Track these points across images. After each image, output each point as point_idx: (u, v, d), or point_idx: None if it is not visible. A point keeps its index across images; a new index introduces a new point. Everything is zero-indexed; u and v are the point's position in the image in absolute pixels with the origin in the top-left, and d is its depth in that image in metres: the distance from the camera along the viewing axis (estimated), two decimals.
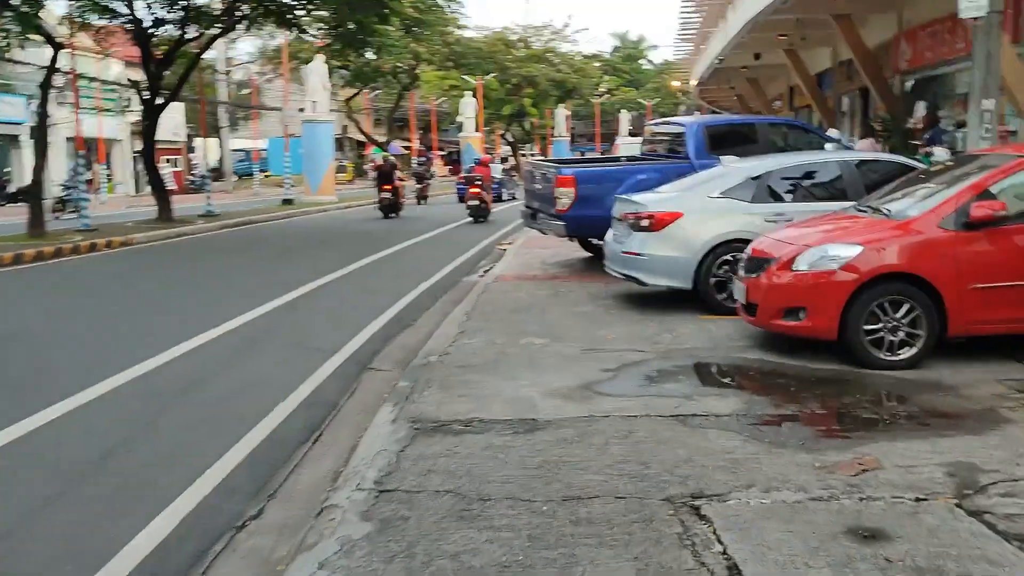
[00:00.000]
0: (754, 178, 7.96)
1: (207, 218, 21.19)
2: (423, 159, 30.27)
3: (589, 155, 68.81)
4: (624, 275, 8.21)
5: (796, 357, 6.19)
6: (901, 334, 5.82)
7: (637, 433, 4.60)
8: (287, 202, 27.64)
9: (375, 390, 5.99)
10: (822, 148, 10.52)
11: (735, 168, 8.28)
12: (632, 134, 69.41)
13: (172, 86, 21.33)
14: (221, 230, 19.24)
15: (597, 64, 62.73)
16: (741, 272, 6.69)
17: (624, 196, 8.68)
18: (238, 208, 26.78)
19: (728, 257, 7.73)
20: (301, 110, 30.18)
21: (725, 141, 10.64)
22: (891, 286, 5.84)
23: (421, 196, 27.86)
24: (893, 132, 15.80)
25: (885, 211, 6.49)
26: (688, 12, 26.27)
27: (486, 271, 11.78)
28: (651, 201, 8.08)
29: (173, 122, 43.37)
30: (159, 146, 43.91)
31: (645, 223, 7.91)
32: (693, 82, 34.23)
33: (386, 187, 21.11)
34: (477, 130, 45.32)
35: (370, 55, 32.86)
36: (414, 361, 6.45)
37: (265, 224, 21.26)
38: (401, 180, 21.99)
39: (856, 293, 5.81)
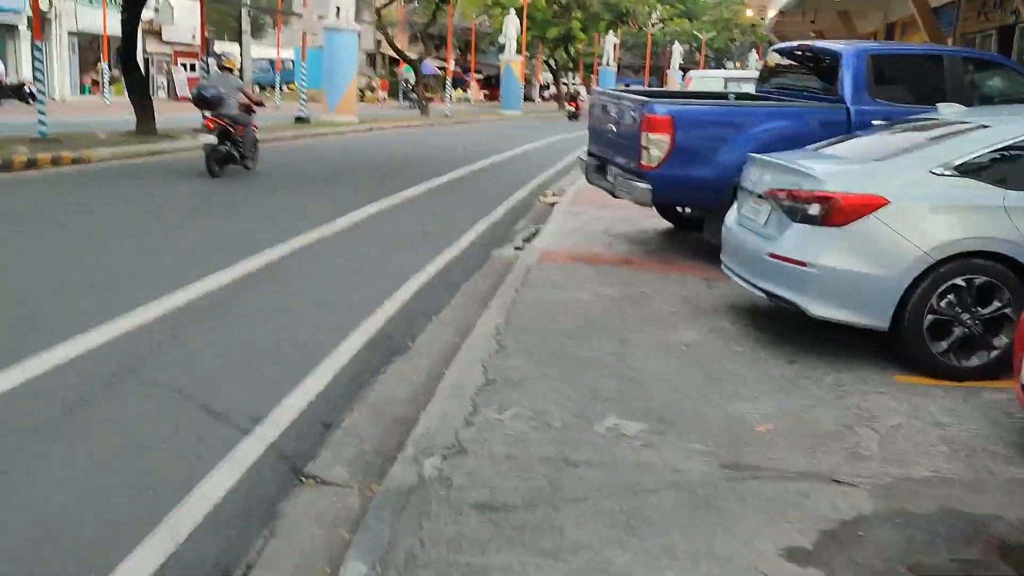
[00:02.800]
0: (1015, 146, 4.56)
1: (199, 132, 17.92)
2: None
3: (635, 87, 64.29)
4: (764, 291, 4.93)
5: None
6: None
7: None
8: (300, 120, 24.28)
9: (297, 549, 2.85)
10: None
11: (971, 126, 4.85)
12: (682, 69, 65.05)
13: None
14: None
15: None
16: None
17: (768, 157, 5.32)
18: None
19: (959, 282, 4.43)
20: (321, 17, 26.47)
21: (896, 79, 7.18)
22: None
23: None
24: None
25: None
26: None
27: (526, 240, 8.53)
28: (830, 173, 4.71)
29: (189, 23, 39.91)
30: (175, 47, 40.66)
31: (817, 210, 4.58)
32: (772, 12, 29.93)
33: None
34: (519, 53, 41.22)
35: None
36: (393, 472, 3.28)
37: (265, 145, 17.98)
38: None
39: None
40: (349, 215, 9.22)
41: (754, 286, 5.04)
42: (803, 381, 4.46)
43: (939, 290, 4.44)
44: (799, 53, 7.91)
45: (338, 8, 25.92)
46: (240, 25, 41.47)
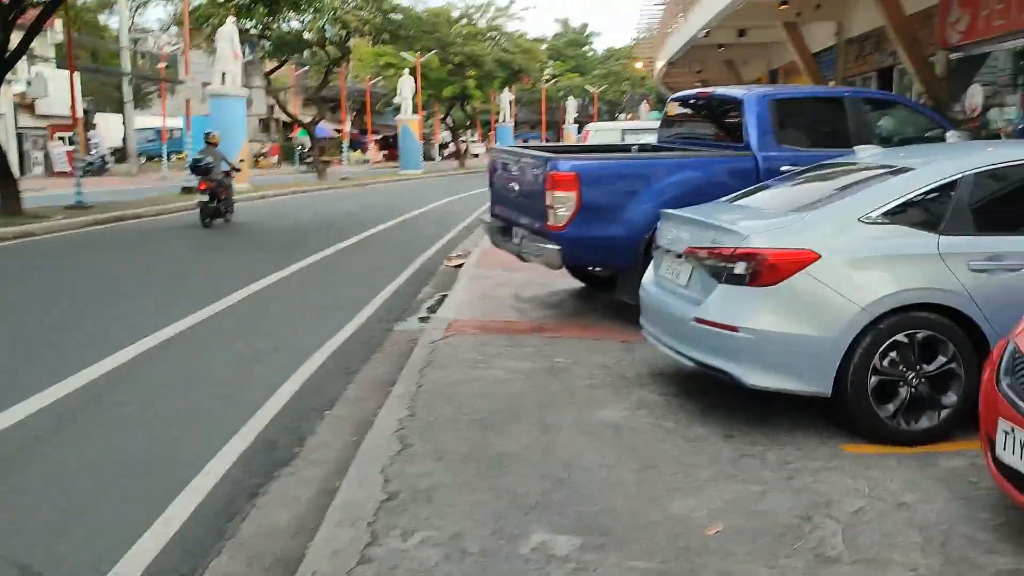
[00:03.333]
0: (944, 187, 4.27)
1: (73, 211, 16.72)
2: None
3: (533, 142, 65.17)
4: (693, 360, 4.47)
5: None
6: None
7: None
8: (188, 191, 23.12)
9: None
10: (939, 137, 6.99)
11: (893, 169, 4.57)
12: (577, 122, 66.45)
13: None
14: (82, 229, 14.81)
15: (543, 47, 58.83)
16: (1009, 391, 3.06)
17: (683, 213, 4.92)
18: (126, 196, 22.24)
19: (901, 338, 4.08)
20: (206, 84, 25.57)
21: (800, 123, 7.01)
22: None
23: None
24: None
25: None
26: None
27: (432, 310, 7.93)
28: (754, 228, 4.32)
29: (65, 96, 38.08)
30: (51, 121, 38.65)
31: (743, 268, 4.17)
32: (659, 63, 30.74)
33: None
34: (415, 112, 41.08)
35: (289, 19, 28.35)
36: None
37: (149, 219, 16.89)
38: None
39: None
40: (230, 296, 8.41)
41: (680, 354, 4.58)
42: (746, 461, 3.99)
43: (881, 348, 4.06)
44: (699, 101, 7.70)
45: (224, 74, 25.09)
46: (122, 95, 39.93)
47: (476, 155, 64.44)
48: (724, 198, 5.41)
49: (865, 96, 7.36)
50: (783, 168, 6.51)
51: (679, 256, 4.74)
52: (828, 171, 5.07)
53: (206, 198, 14.51)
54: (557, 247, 6.41)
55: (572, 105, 65.49)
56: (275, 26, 31.21)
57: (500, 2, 47.33)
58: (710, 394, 4.83)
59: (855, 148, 5.12)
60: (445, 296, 8.41)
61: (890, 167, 4.57)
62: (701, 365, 4.40)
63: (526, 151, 7.07)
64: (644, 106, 71.58)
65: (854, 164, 4.99)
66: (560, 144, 27.46)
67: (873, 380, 4.09)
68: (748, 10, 17.43)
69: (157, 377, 5.67)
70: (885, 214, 4.19)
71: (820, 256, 4.08)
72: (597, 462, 3.98)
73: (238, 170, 16.76)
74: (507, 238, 7.46)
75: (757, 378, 4.14)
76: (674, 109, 8.10)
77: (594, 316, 7.23)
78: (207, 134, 16.13)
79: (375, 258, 11.51)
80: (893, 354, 4.08)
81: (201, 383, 5.56)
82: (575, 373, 5.47)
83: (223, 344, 6.65)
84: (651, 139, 16.67)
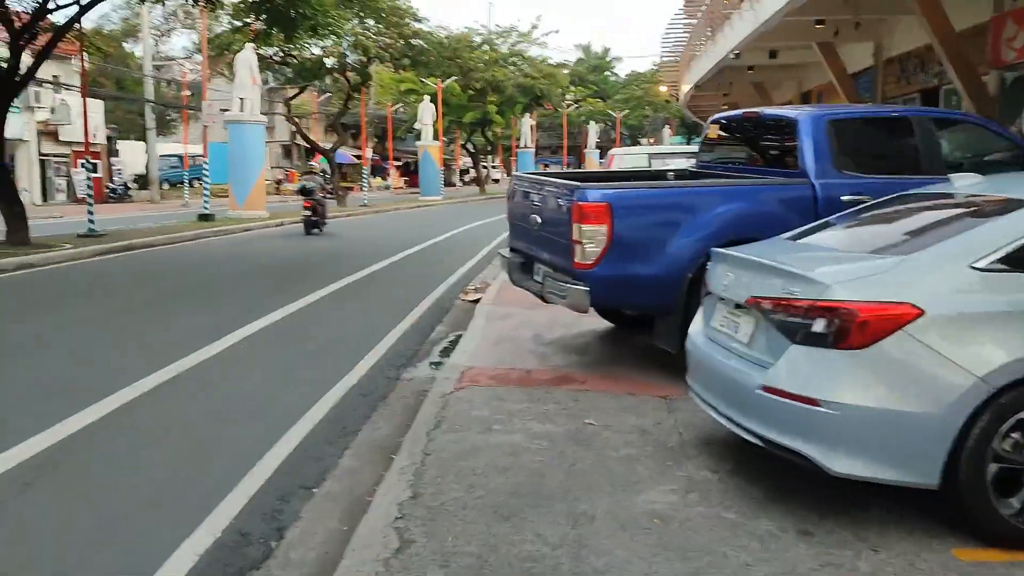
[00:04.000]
0: None
1: (84, 239, 16.17)
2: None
3: (553, 168, 64.41)
4: (759, 436, 3.62)
5: None
6: None
7: None
8: (205, 218, 22.64)
9: None
10: (1021, 160, 6.13)
11: (1006, 202, 3.72)
12: (599, 147, 65.83)
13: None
14: (87, 259, 14.23)
15: (565, 72, 58.35)
16: None
17: (742, 253, 4.11)
18: (142, 223, 21.77)
19: None
20: (224, 110, 25.16)
21: (862, 147, 6.18)
22: None
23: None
24: None
25: None
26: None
27: (443, 353, 7.14)
28: (836, 275, 3.49)
29: (91, 121, 38.03)
30: (74, 148, 38.58)
31: (825, 326, 3.35)
32: (685, 87, 29.99)
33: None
34: (436, 138, 40.62)
35: (310, 43, 27.93)
36: None
37: (163, 248, 16.29)
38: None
39: None
40: (229, 335, 7.68)
41: (741, 427, 3.74)
42: (830, 572, 3.13)
43: (1003, 428, 3.21)
44: (745, 122, 6.89)
45: (242, 100, 24.66)
46: (144, 122, 39.84)
47: (496, 180, 64.05)
48: (786, 234, 4.59)
49: (934, 115, 6.52)
50: (844, 197, 5.72)
51: (738, 307, 3.92)
52: (917, 204, 4.24)
53: (309, 213, 19.21)
54: (585, 288, 5.60)
55: (594, 130, 64.89)
56: (296, 52, 30.97)
57: (522, 27, 47.06)
58: (777, 472, 3.98)
59: (950, 176, 4.28)
60: (460, 336, 7.62)
61: (1001, 201, 3.73)
62: (769, 444, 3.56)
63: (549, 179, 6.29)
64: (666, 130, 70.96)
65: (950, 196, 4.15)
66: (584, 170, 26.74)
67: (993, 468, 3.24)
68: (782, 31, 16.66)
69: (101, 464, 4.89)
70: (1004, 259, 3.35)
71: (924, 312, 3.24)
72: (643, 571, 3.14)
73: (330, 193, 21.72)
74: (527, 276, 6.66)
75: (844, 464, 3.30)
76: (715, 132, 7.29)
77: (627, 364, 6.39)
78: (309, 165, 20.98)
79: (388, 291, 10.75)
80: (1018, 435, 3.23)
81: (165, 461, 4.77)
82: (608, 440, 4.64)
83: (205, 398, 5.89)
84: (680, 163, 15.94)
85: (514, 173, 6.98)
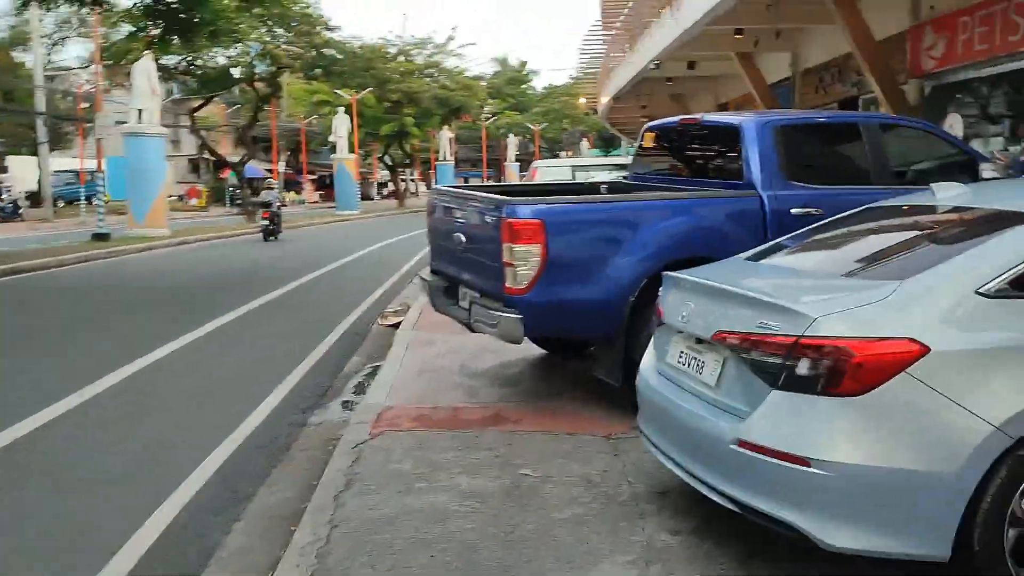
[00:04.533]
0: None
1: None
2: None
3: (474, 181, 63.70)
4: (732, 500, 3.03)
5: None
6: None
7: None
8: (99, 237, 21.08)
9: None
10: (970, 168, 5.79)
11: (1004, 216, 3.24)
12: (518, 160, 65.62)
13: None
14: None
15: (482, 84, 57.91)
16: None
17: (702, 278, 3.52)
18: (26, 244, 20.12)
19: None
20: (120, 123, 23.64)
21: (810, 156, 5.74)
22: None
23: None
24: None
25: None
26: (612, 10, 21.85)
27: (357, 390, 6.39)
28: (820, 304, 2.92)
29: None
30: None
31: (810, 367, 2.78)
32: (604, 99, 29.86)
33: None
34: (352, 151, 39.49)
35: (215, 52, 26.62)
36: None
37: (42, 274, 14.92)
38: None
39: None
40: (101, 379, 6.71)
41: (710, 487, 3.14)
42: None
43: (1023, 487, 2.70)
44: (684, 130, 6.37)
45: (140, 111, 23.20)
46: (36, 136, 37.42)
47: (415, 194, 63.01)
48: (743, 254, 4.04)
49: (882, 121, 6.14)
50: (794, 210, 5.26)
51: (700, 341, 3.32)
52: (895, 219, 3.75)
53: (267, 222, 22.15)
54: (517, 316, 4.95)
55: (513, 143, 64.70)
56: (199, 61, 29.51)
57: (438, 39, 46.44)
58: (751, 532, 3.40)
59: (932, 186, 3.80)
60: (377, 368, 6.87)
61: (994, 213, 3.25)
62: (746, 510, 2.97)
63: (474, 192, 5.62)
64: (584, 143, 71.38)
65: (932, 209, 3.67)
66: (510, 183, 26.18)
67: (1012, 534, 2.71)
68: (702, 41, 16.51)
69: None
70: (1014, 283, 2.84)
71: (929, 349, 2.70)
72: None
73: (285, 204, 25.26)
74: (452, 301, 5.98)
75: (841, 536, 2.72)
76: (650, 140, 6.76)
77: (564, 397, 5.76)
78: (267, 180, 26.17)
79: (296, 317, 9.88)
80: None
81: (5, 540, 3.89)
82: (550, 496, 3.98)
83: (65, 459, 4.98)
84: (604, 176, 15.52)
85: (434, 186, 6.31)
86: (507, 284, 4.99)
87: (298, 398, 6.22)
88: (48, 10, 14.93)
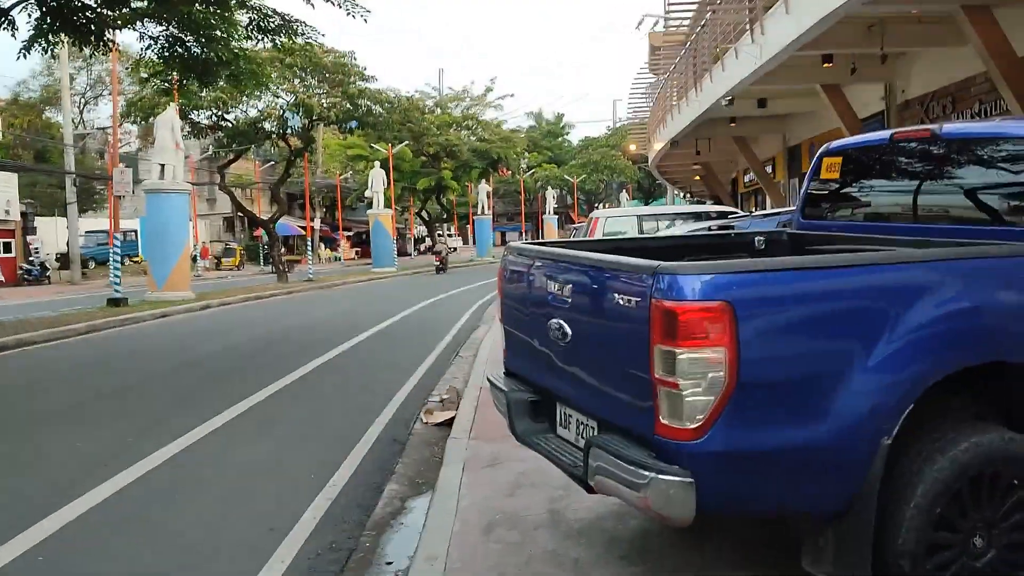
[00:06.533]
0: None
1: None
2: None
3: (512, 237, 61.26)
4: None
5: None
6: None
7: None
8: (115, 303, 19.26)
9: None
10: None
11: None
12: (557, 213, 63.63)
13: None
14: None
15: (521, 135, 56.38)
16: None
17: None
18: (41, 311, 18.40)
19: None
20: (139, 181, 22.11)
21: None
22: None
23: None
24: None
25: None
26: (663, 53, 19.96)
27: (391, 563, 4.12)
28: None
29: (2, 197, 34.51)
30: None
31: None
32: (657, 145, 27.77)
33: None
34: (388, 206, 37.84)
35: (244, 103, 25.17)
36: None
37: (40, 348, 13.00)
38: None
39: None
40: (30, 530, 4.55)
41: None
42: None
43: None
44: (903, 147, 4.08)
45: (162, 166, 21.63)
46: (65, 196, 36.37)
47: (454, 249, 61.26)
48: None
49: None
50: None
51: None
52: None
53: (438, 263, 32.68)
54: (686, 479, 2.68)
55: (551, 195, 62.95)
56: (230, 115, 28.17)
57: (475, 91, 45.06)
58: None
59: None
60: (424, 501, 4.62)
61: None
62: None
63: (590, 254, 3.38)
64: (624, 195, 69.38)
65: None
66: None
67: None
68: (783, 72, 14.40)
69: None
70: None
71: None
72: None
73: (454, 249, 32.39)
74: (543, 425, 3.73)
75: None
76: (834, 169, 4.43)
77: None
78: (438, 236, 34.79)
79: (315, 415, 7.66)
80: None
81: None
82: None
83: None
84: (675, 226, 13.25)
85: (510, 244, 4.06)
86: (663, 419, 2.74)
87: (306, 563, 3.97)
88: (46, 52, 13.18)
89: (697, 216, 13.53)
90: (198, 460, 6.04)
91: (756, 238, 4.51)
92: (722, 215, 13.28)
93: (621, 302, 2.94)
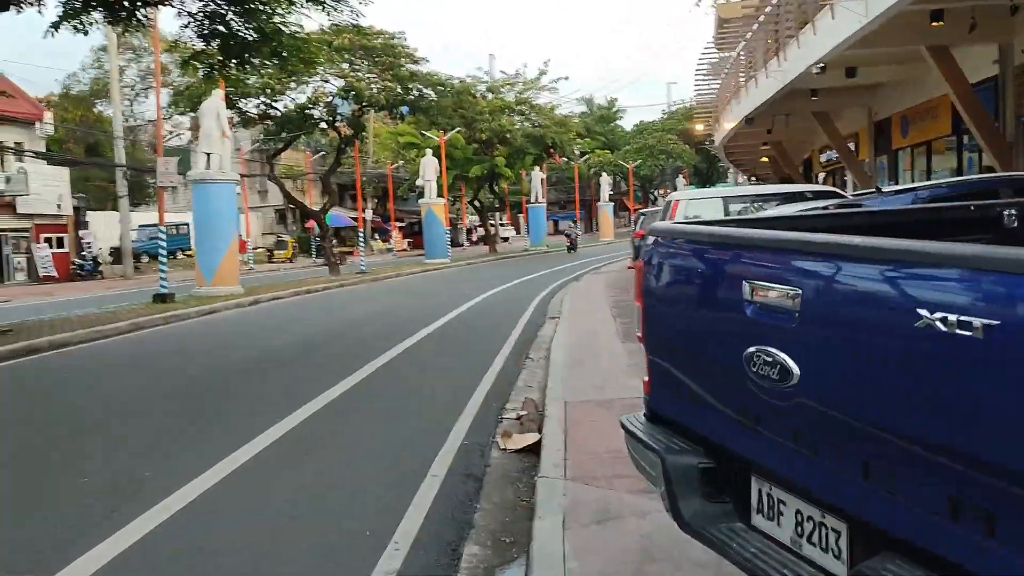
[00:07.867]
0: None
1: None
2: None
3: (564, 224, 59.69)
4: None
5: None
6: None
7: None
8: (161, 299, 18.45)
9: None
10: None
11: None
12: (612, 200, 61.74)
13: None
14: None
15: (575, 120, 54.62)
16: None
17: None
18: (87, 307, 17.66)
19: None
20: (182, 174, 21.29)
21: None
22: None
23: None
24: None
25: None
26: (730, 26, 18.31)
27: None
28: None
29: (55, 190, 34.33)
30: (36, 220, 34.81)
31: None
32: (728, 124, 26.02)
33: None
34: (440, 195, 36.66)
35: (293, 89, 24.21)
36: None
37: (76, 349, 12.09)
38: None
39: None
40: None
41: None
42: None
43: None
44: None
45: (208, 156, 20.75)
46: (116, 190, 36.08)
47: (506, 239, 59.84)
48: None
49: None
50: None
51: None
52: None
53: (568, 243, 38.98)
54: None
55: (606, 181, 61.18)
56: (279, 103, 27.27)
57: (528, 74, 43.58)
58: None
59: None
60: (516, 573, 3.32)
61: None
62: None
63: (824, 237, 1.99)
64: (680, 179, 67.21)
65: None
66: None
67: None
68: (885, 32, 12.69)
69: None
70: None
71: None
72: None
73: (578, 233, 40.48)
74: (724, 506, 2.37)
75: None
76: None
77: None
78: (568, 222, 42.18)
79: (367, 439, 6.39)
80: None
81: None
82: None
83: None
84: (763, 208, 11.73)
85: (656, 226, 2.63)
86: None
87: None
88: (78, 31, 12.22)
89: (790, 197, 12.00)
90: (199, 525, 4.83)
91: (1006, 212, 3.07)
92: (819, 195, 11.77)
93: (943, 326, 1.56)
